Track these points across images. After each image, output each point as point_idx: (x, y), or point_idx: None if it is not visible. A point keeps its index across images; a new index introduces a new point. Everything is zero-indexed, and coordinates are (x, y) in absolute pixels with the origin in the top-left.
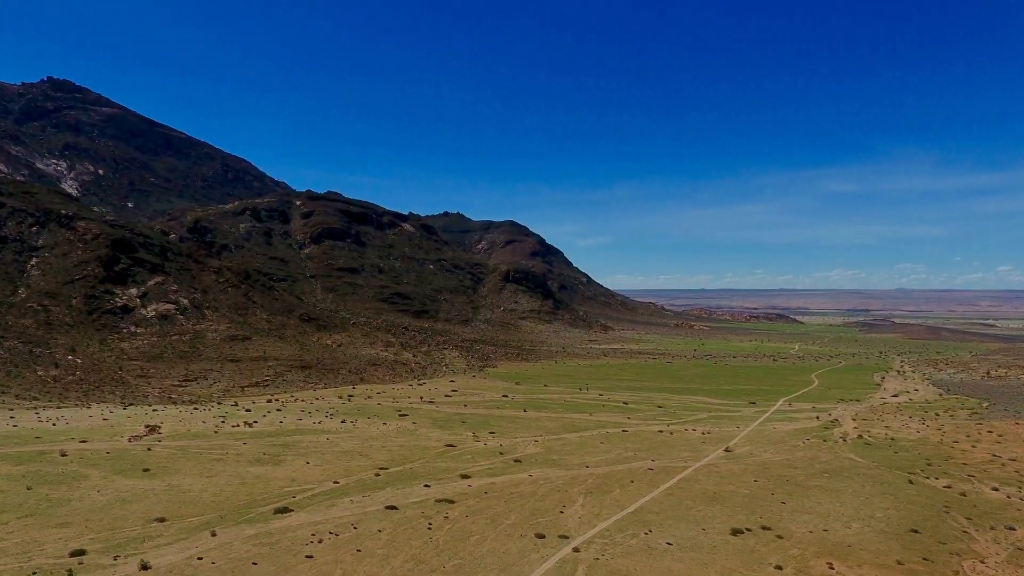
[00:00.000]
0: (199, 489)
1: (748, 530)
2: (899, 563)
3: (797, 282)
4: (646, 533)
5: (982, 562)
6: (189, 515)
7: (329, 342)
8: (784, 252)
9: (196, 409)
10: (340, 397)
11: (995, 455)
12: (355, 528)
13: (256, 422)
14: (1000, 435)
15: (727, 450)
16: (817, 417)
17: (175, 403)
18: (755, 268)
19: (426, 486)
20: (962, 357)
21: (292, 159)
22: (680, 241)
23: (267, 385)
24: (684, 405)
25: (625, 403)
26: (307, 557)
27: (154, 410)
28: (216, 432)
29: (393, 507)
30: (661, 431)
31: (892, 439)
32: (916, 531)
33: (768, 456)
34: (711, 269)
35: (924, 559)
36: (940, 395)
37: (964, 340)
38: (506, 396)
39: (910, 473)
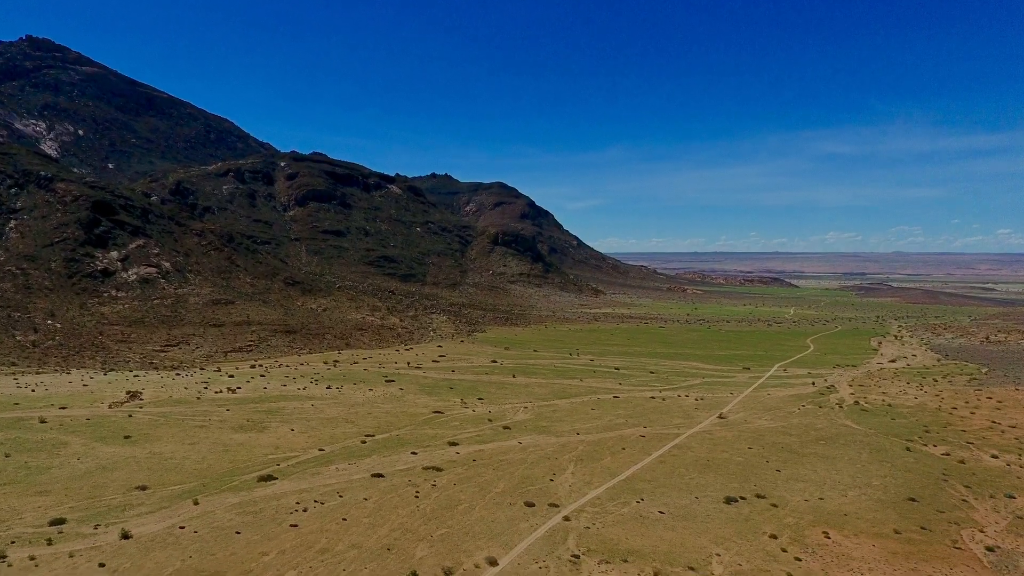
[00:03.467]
0: (181, 456)
1: (742, 498)
2: (896, 532)
3: (792, 245)
4: (638, 502)
5: (981, 531)
6: (171, 483)
7: (314, 306)
8: (779, 215)
9: (178, 375)
10: (325, 363)
11: (994, 422)
12: (341, 496)
13: (239, 388)
14: (1000, 401)
15: (721, 416)
16: (813, 383)
17: (157, 369)
18: (749, 231)
19: (413, 453)
20: (961, 322)
21: (276, 119)
22: (673, 204)
23: (251, 350)
24: (677, 371)
25: (616, 368)
26: (291, 526)
27: (135, 376)
28: (198, 399)
29: (379, 475)
30: (653, 397)
31: (889, 405)
32: (914, 500)
33: (763, 423)
34: (704, 232)
35: (922, 528)
36: (938, 360)
37: (963, 304)
38: (495, 361)
39: (908, 440)
